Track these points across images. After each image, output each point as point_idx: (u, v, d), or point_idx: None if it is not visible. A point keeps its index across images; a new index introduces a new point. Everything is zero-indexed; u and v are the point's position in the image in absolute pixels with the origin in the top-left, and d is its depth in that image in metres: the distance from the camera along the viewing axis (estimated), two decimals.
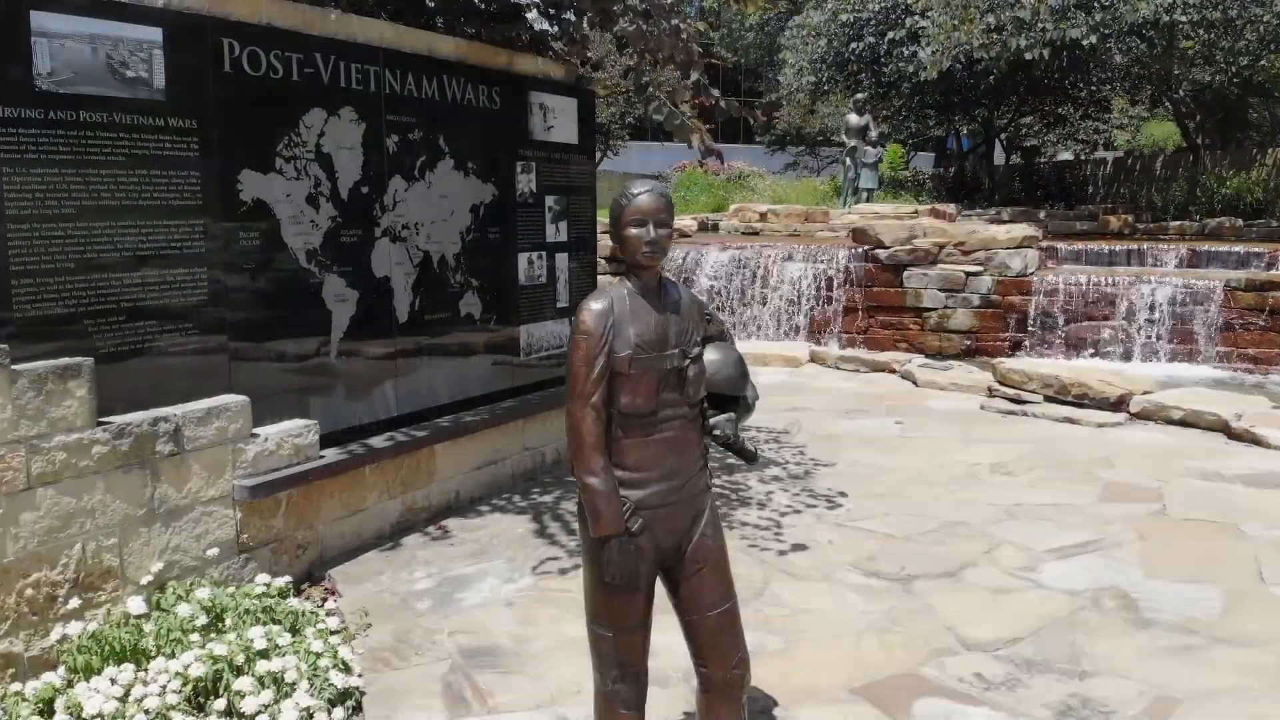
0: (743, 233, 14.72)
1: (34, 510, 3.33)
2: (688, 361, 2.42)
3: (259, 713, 3.01)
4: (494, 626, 3.84)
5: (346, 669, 3.39)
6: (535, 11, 5.96)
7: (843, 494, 5.46)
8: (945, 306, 10.67)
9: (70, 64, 3.46)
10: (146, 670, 3.16)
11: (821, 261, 11.30)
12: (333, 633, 3.65)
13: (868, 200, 14.87)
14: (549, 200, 5.93)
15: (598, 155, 22.94)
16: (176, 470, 3.81)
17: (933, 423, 7.21)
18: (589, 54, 5.71)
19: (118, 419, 3.62)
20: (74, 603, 3.44)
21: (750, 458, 2.72)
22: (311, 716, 3.02)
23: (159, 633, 3.41)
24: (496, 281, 5.55)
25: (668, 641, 3.04)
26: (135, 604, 3.45)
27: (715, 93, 5.22)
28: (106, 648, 3.28)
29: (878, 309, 11.05)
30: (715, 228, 15.56)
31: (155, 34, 3.74)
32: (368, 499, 4.72)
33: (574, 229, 6.18)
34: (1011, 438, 6.72)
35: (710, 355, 2.59)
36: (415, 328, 5.03)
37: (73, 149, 3.51)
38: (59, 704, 2.99)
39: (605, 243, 13.51)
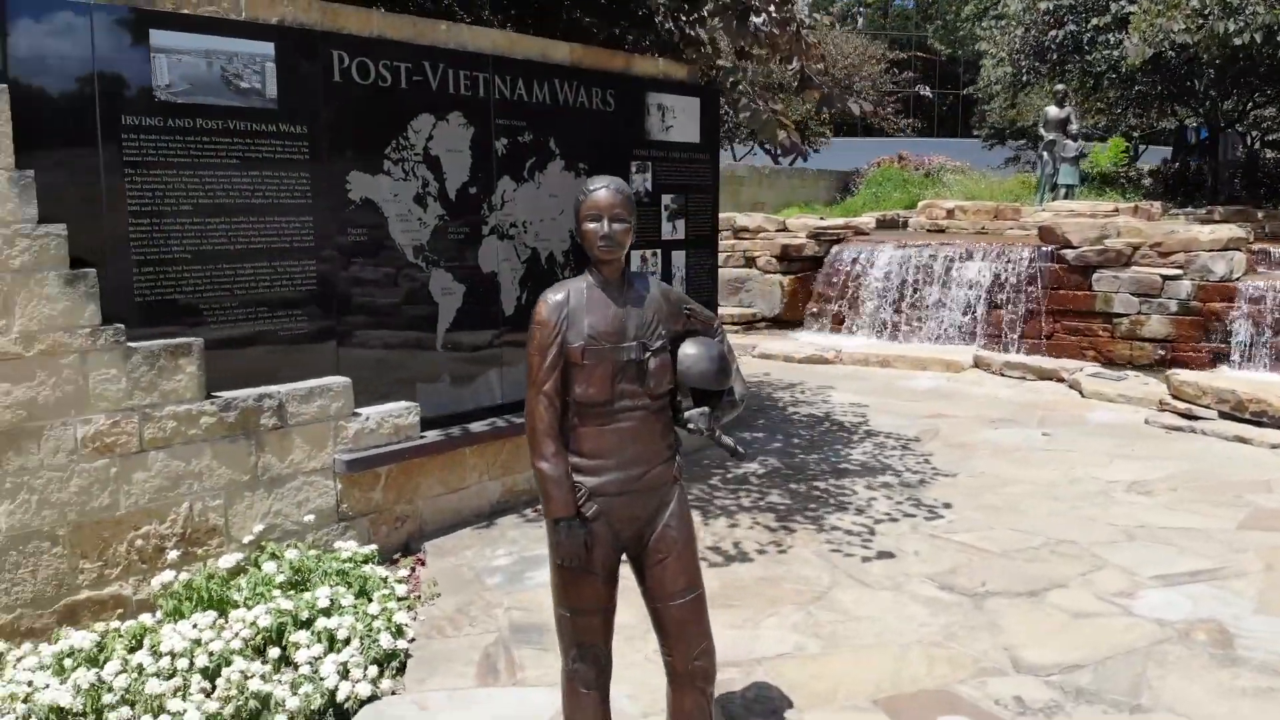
0: (928, 230, 14.16)
1: (145, 470, 3.80)
2: (648, 354, 2.46)
3: (307, 663, 3.31)
4: (548, 605, 3.97)
5: (399, 633, 3.65)
6: (663, 14, 6.07)
7: (949, 505, 5.22)
8: (1138, 312, 9.81)
9: (187, 77, 3.92)
10: (227, 618, 3.56)
11: (1002, 261, 10.70)
12: (399, 599, 3.93)
13: (1066, 197, 13.89)
14: (665, 199, 6.03)
15: (782, 154, 22.70)
16: (280, 442, 4.22)
17: (1084, 435, 6.71)
18: (714, 54, 5.73)
19: (226, 394, 4.06)
20: (180, 554, 3.90)
21: (732, 452, 2.71)
22: (348, 672, 3.29)
23: (249, 586, 3.82)
24: None
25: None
26: (226, 560, 3.88)
27: (822, 86, 5.13)
28: (196, 596, 3.71)
29: (1062, 313, 10.32)
30: (904, 225, 15.06)
31: (268, 48, 4.16)
32: (467, 479, 5.01)
33: (693, 227, 6.24)
34: (1166, 454, 6.15)
35: (687, 349, 2.61)
36: (521, 321, 5.27)
37: (189, 153, 3.97)
38: (146, 641, 3.42)
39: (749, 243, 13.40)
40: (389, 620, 3.65)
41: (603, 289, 2.45)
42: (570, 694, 2.59)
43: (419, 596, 4.13)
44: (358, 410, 4.50)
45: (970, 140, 28.76)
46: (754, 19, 5.09)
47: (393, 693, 3.31)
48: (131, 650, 3.37)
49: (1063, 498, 5.31)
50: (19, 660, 3.24)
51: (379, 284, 4.70)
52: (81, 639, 3.37)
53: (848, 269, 11.89)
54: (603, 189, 2.42)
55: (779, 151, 5.40)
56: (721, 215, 13.72)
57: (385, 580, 3.99)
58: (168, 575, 3.71)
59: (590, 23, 6.74)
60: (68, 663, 3.24)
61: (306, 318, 4.44)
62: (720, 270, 13.13)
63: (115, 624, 3.58)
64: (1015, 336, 10.55)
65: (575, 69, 5.44)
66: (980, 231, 13.51)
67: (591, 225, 2.41)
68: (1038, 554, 4.47)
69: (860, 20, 33.46)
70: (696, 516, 5.05)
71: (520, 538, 4.77)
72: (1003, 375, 8.96)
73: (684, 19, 5.97)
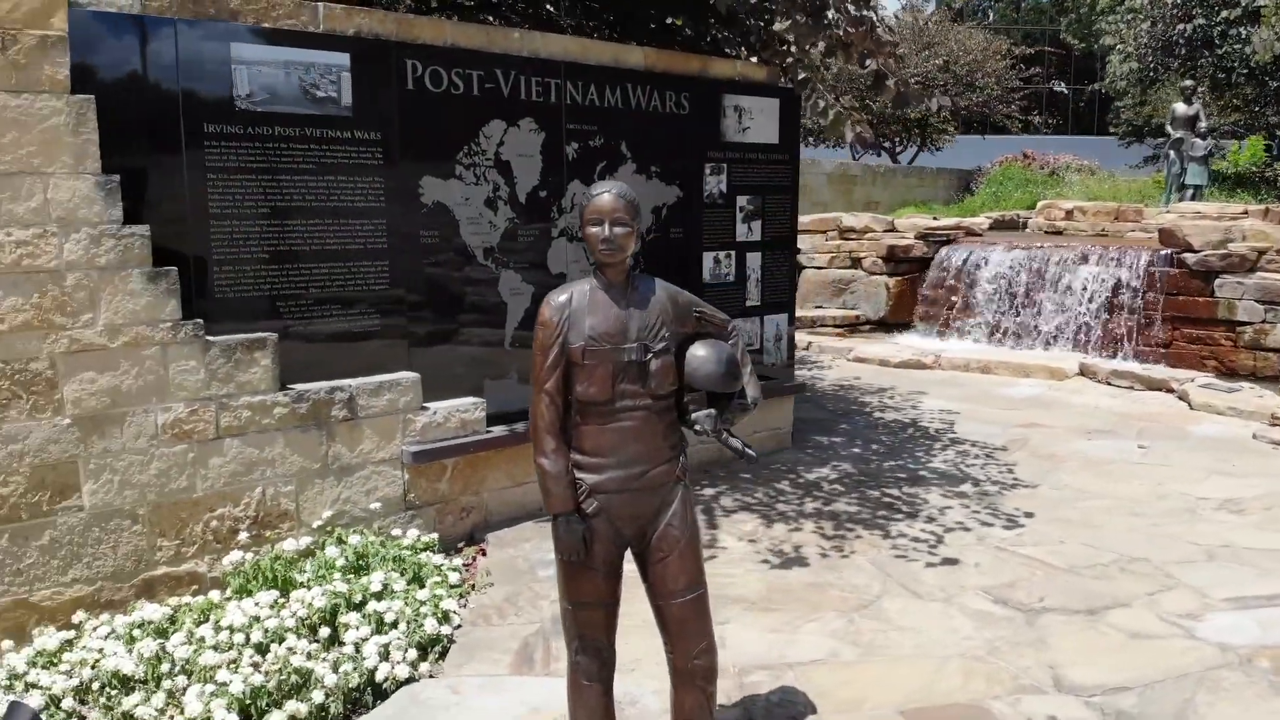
0: (1045, 231, 13.61)
1: (221, 456, 4.06)
2: (649, 355, 2.50)
3: (353, 644, 3.49)
4: None
5: (445, 619, 3.80)
6: (746, 13, 6.06)
7: (1028, 515, 5.06)
8: (1263, 321, 9.21)
9: (266, 87, 4.16)
10: (288, 597, 3.78)
11: (1118, 265, 10.22)
12: (452, 587, 4.09)
13: (1194, 198, 13.10)
14: (740, 200, 6.03)
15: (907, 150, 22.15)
16: (350, 433, 4.44)
17: (1183, 449, 6.36)
18: (799, 54, 5.69)
19: (299, 386, 4.29)
20: (252, 536, 4.15)
21: (740, 454, 2.72)
22: (389, 653, 3.45)
23: (312, 568, 4.04)
24: (677, 280, 5.68)
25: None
26: (296, 543, 4.11)
27: (890, 82, 5.03)
28: (262, 575, 3.95)
29: (1181, 320, 9.78)
30: (1022, 226, 14.52)
31: (344, 59, 4.38)
32: (532, 473, 5.12)
33: (769, 228, 6.22)
34: (1267, 472, 5.77)
35: (696, 351, 2.64)
36: None
37: (268, 159, 4.22)
38: (212, 616, 3.66)
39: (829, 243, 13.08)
40: (436, 607, 3.80)
41: (606, 291, 2.51)
42: (574, 685, 2.66)
43: (473, 585, 4.27)
44: (426, 404, 4.68)
45: (1107, 138, 27.47)
46: (829, 14, 5.05)
47: (430, 676, 3.46)
48: (198, 624, 3.62)
49: (1146, 514, 5.07)
50: (95, 629, 3.52)
51: (449, 284, 4.87)
52: (154, 611, 3.64)
53: (955, 271, 11.57)
54: (605, 194, 2.48)
55: (858, 149, 5.32)
56: (827, 215, 13.69)
57: (439, 568, 4.14)
58: (237, 555, 3.97)
59: (679, 24, 6.80)
60: (137, 633, 3.50)
61: (379, 315, 4.64)
62: (824, 271, 13.13)
63: (188, 599, 3.85)
64: (1130, 344, 10.07)
65: (649, 73, 5.50)
66: (1099, 234, 12.91)
67: (593, 229, 2.47)
68: (1106, 571, 4.29)
69: (991, 15, 32.35)
70: (755, 520, 5.05)
71: None
72: (1108, 384, 8.57)
73: (764, 19, 5.96)
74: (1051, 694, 3.26)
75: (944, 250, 11.92)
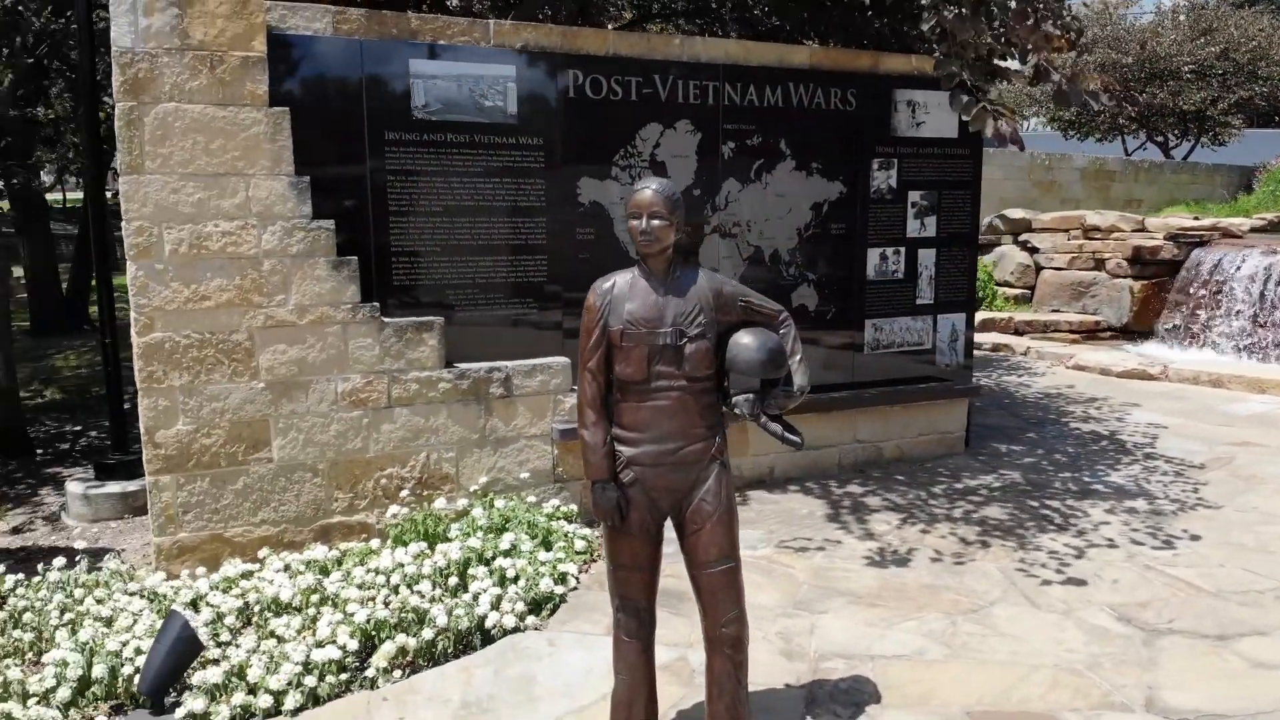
0: None
1: (391, 423, 4.64)
2: (684, 340, 2.69)
3: (472, 594, 3.92)
4: None
5: (562, 580, 4.15)
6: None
7: (1194, 537, 4.69)
8: None
9: (440, 98, 4.69)
10: (433, 549, 4.28)
11: None
12: (578, 553, 4.44)
13: None
14: (913, 195, 5.95)
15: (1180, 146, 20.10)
16: (505, 409, 4.91)
17: None
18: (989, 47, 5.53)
19: (461, 365, 4.81)
20: (415, 495, 4.71)
21: (782, 439, 2.83)
22: (499, 604, 3.84)
23: (460, 526, 4.53)
24: (838, 276, 5.79)
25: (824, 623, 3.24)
26: (441, 503, 4.62)
27: (1056, 76, 4.77)
28: (417, 529, 4.48)
29: None
30: None
31: (510, 70, 4.84)
32: None
33: (945, 224, 6.08)
34: None
35: (740, 338, 2.79)
36: None
37: (440, 163, 4.75)
38: (369, 560, 4.23)
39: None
40: (554, 569, 4.16)
41: (647, 279, 2.73)
42: (616, 640, 2.90)
43: (589, 553, 4.60)
44: (575, 387, 5.06)
45: None
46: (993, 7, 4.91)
47: (535, 629, 3.81)
48: (355, 566, 4.19)
49: None
50: (271, 565, 4.17)
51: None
52: (321, 553, 4.25)
53: (1205, 276, 10.55)
54: (645, 190, 2.70)
55: (998, 142, 5.09)
56: (1071, 213, 12.89)
57: (567, 535, 4.51)
58: (395, 509, 4.53)
59: (867, 21, 6.79)
60: (303, 568, 4.12)
61: (536, 305, 5.08)
62: (1063, 273, 12.39)
63: (356, 545, 4.45)
64: None
65: (813, 71, 5.58)
66: None
67: (633, 222, 2.70)
68: (1259, 598, 3.93)
69: None
70: (894, 519, 5.02)
71: None
72: None
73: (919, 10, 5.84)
74: (1138, 714, 3.10)
75: (1195, 253, 10.89)
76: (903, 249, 5.98)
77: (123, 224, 4.04)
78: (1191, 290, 10.76)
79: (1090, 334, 11.70)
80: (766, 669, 3.43)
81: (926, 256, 6.06)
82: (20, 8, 6.21)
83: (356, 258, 4.48)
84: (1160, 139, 20.43)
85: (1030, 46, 4.84)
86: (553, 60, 4.96)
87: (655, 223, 2.67)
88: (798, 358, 2.86)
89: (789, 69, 5.52)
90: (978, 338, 11.18)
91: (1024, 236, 13.17)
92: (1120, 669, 3.40)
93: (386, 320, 4.58)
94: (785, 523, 4.97)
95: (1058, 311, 12.27)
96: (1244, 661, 3.41)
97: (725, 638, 2.76)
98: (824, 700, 3.24)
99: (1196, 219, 12.25)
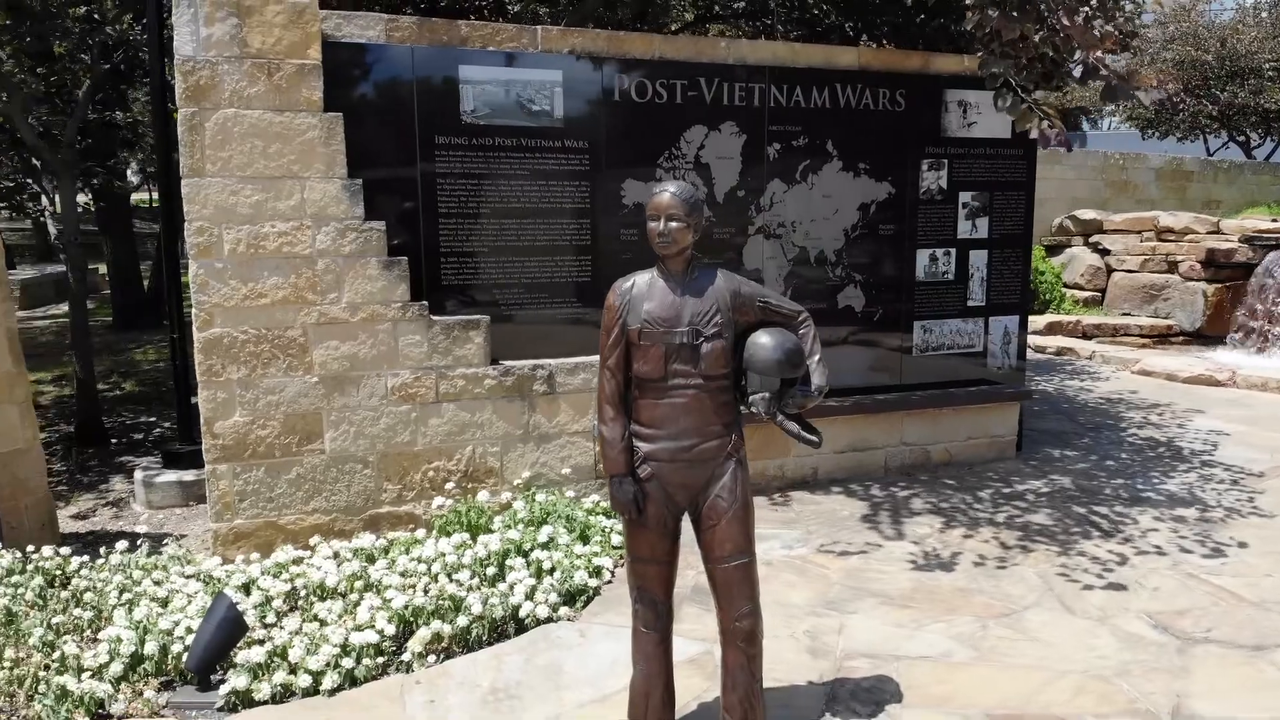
0: None
1: (439, 418, 4.80)
2: (700, 339, 2.76)
3: (509, 584, 4.04)
4: None
5: (597, 573, 4.25)
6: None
7: (1242, 545, 4.58)
8: None
9: (488, 102, 4.83)
10: (475, 540, 4.42)
11: None
12: (614, 548, 4.53)
13: None
14: (964, 196, 5.90)
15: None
16: (548, 406, 5.02)
17: None
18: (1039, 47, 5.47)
19: (507, 362, 4.94)
20: (461, 488, 4.85)
21: (796, 436, 2.88)
22: (533, 594, 3.95)
23: (503, 519, 4.66)
24: (885, 277, 5.77)
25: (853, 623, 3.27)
26: (484, 495, 4.75)
27: (1105, 72, 4.70)
28: (460, 520, 4.62)
29: None
30: None
31: (557, 75, 4.95)
32: None
33: (998, 225, 6.01)
34: None
35: (758, 338, 2.84)
36: None
37: (488, 166, 4.89)
38: (414, 549, 4.38)
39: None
40: (589, 562, 4.26)
41: (665, 279, 2.81)
42: (634, 631, 2.98)
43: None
44: None
45: None
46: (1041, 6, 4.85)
47: (568, 619, 3.91)
48: (400, 555, 4.35)
49: None
50: (321, 552, 4.35)
51: None
52: (370, 541, 4.42)
53: (1262, 273, 10.18)
54: (663, 193, 2.76)
55: (1043, 143, 4.99)
56: (1144, 215, 12.57)
57: (605, 530, 4.60)
58: (440, 500, 4.67)
59: (922, 21, 6.75)
60: (350, 555, 4.28)
61: (581, 304, 5.18)
62: (1134, 275, 12.11)
63: (403, 534, 4.61)
64: None
65: (862, 72, 5.57)
66: None
67: (652, 224, 2.77)
68: None
69: None
70: (937, 522, 5.00)
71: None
72: None
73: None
74: None
75: (1271, 255, 10.53)
76: (953, 250, 5.94)
77: (185, 224, 4.26)
78: (1264, 294, 10.40)
79: (1162, 338, 11.40)
80: (790, 666, 3.47)
81: (978, 258, 6.01)
82: (97, 16, 6.53)
83: (406, 258, 4.64)
84: (1242, 138, 19.71)
85: (1078, 45, 4.78)
86: (599, 64, 5.05)
87: (673, 225, 2.74)
88: (816, 358, 2.90)
89: (837, 70, 5.53)
90: (1043, 341, 10.99)
91: (1095, 238, 12.89)
92: (1149, 676, 3.36)
93: (435, 318, 4.73)
94: (825, 524, 4.99)
95: (1128, 315, 11.98)
96: (1279, 671, 3.34)
97: (739, 631, 2.82)
98: (845, 698, 3.27)
99: (1275, 221, 11.84)
